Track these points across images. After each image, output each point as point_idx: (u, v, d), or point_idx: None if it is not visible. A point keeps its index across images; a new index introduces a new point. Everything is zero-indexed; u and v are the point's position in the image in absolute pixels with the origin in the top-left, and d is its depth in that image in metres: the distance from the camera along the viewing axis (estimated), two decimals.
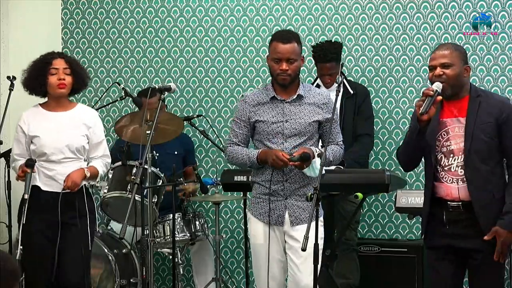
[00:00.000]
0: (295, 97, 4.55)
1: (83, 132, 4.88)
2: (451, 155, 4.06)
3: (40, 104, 4.95)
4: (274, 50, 4.53)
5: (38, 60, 4.87)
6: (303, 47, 6.35)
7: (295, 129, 4.52)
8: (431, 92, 3.98)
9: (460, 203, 4.05)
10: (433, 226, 4.15)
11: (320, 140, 4.64)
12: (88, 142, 4.91)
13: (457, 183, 4.06)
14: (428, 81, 6.12)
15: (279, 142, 4.50)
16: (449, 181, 4.08)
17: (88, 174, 4.83)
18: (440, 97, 3.99)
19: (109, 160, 5.05)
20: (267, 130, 4.53)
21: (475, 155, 4.00)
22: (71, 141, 4.82)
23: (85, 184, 4.89)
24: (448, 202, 4.08)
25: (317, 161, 4.39)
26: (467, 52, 4.23)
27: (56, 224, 4.78)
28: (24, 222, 4.74)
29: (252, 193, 4.67)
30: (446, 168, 4.08)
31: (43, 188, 4.80)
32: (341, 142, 4.64)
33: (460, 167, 4.05)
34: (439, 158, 4.09)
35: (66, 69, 4.83)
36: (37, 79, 4.82)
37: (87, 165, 4.93)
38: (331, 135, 4.56)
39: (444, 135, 4.09)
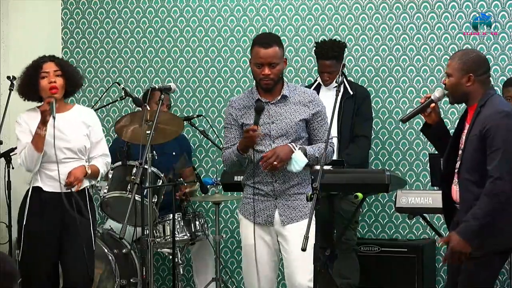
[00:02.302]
0: (279, 98, 4.54)
1: (84, 132, 4.86)
2: (460, 159, 4.11)
3: (38, 107, 4.91)
4: (256, 55, 4.51)
5: (29, 66, 4.85)
6: (303, 48, 6.42)
7: (282, 129, 4.51)
8: (423, 100, 4.22)
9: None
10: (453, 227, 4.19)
11: (309, 139, 4.61)
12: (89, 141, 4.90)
13: (457, 186, 4.11)
14: (427, 82, 6.20)
15: (266, 144, 4.49)
16: (455, 183, 4.13)
17: (89, 171, 4.81)
18: (433, 105, 4.19)
19: (109, 160, 5.03)
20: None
21: (464, 164, 4.05)
22: (73, 142, 4.80)
23: (86, 186, 4.87)
24: (456, 204, 4.13)
25: (297, 155, 4.40)
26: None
27: (58, 226, 4.77)
28: (24, 223, 4.76)
29: (243, 194, 4.67)
30: (456, 171, 4.13)
31: (45, 188, 4.79)
32: (330, 140, 4.54)
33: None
34: (457, 160, 4.14)
35: (57, 71, 4.79)
36: (29, 84, 4.80)
37: (88, 164, 4.92)
38: (318, 133, 4.55)
39: (462, 138, 4.14)
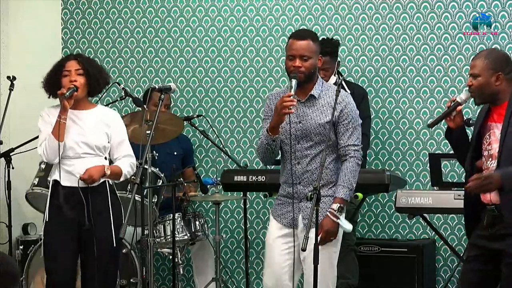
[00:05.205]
0: (307, 97, 4.44)
1: (103, 130, 4.81)
2: (490, 159, 4.04)
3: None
4: (288, 47, 4.44)
5: (55, 63, 4.86)
6: None
7: (307, 130, 4.40)
8: (449, 103, 4.15)
9: (493, 206, 4.00)
10: (476, 227, 4.14)
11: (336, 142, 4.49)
12: (109, 142, 4.84)
13: None
14: (427, 82, 6.20)
15: (292, 144, 4.41)
16: None
17: (108, 172, 4.73)
18: (460, 107, 4.12)
19: (134, 160, 4.90)
20: (281, 131, 4.41)
21: (505, 160, 3.96)
22: (91, 137, 4.77)
23: (108, 180, 4.80)
24: (487, 206, 4.04)
25: (340, 224, 4.37)
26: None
27: (76, 221, 4.73)
28: (47, 219, 4.73)
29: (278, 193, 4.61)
30: (485, 172, 4.04)
31: (62, 183, 4.75)
32: (354, 147, 4.42)
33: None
34: (483, 161, 4.08)
35: (78, 70, 4.77)
36: (52, 81, 4.81)
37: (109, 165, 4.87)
38: (343, 138, 4.41)
39: (488, 139, 4.09)
